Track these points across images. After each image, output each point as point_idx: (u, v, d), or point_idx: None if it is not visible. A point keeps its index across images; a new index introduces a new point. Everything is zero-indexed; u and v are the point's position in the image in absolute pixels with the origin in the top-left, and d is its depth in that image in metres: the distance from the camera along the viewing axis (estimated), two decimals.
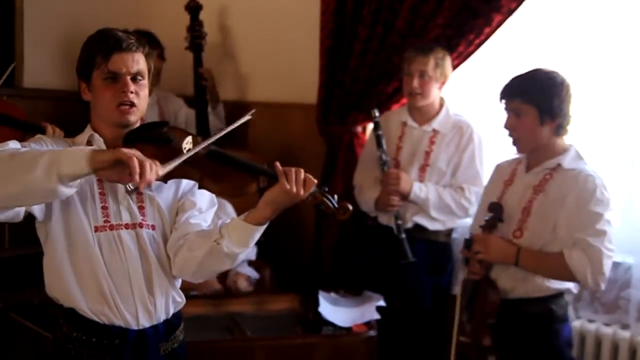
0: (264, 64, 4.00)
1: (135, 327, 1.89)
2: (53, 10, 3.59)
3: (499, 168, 2.72)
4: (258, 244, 3.42)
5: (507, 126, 2.53)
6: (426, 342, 3.21)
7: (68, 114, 3.47)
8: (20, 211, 1.76)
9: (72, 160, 1.63)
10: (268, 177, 1.87)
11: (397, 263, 3.09)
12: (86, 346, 1.88)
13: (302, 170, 1.86)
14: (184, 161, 1.78)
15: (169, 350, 1.98)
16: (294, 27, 3.84)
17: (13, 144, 1.73)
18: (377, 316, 2.86)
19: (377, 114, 3.16)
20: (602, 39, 3.08)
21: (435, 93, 3.14)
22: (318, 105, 3.62)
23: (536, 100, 2.46)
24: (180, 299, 1.99)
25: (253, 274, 3.29)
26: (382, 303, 2.97)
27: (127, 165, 1.62)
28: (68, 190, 1.67)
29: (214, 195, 2.02)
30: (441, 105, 3.20)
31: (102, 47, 1.85)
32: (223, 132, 1.90)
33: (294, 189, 1.82)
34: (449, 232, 3.20)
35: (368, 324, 2.78)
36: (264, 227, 1.86)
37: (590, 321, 3.02)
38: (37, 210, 1.81)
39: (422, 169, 3.13)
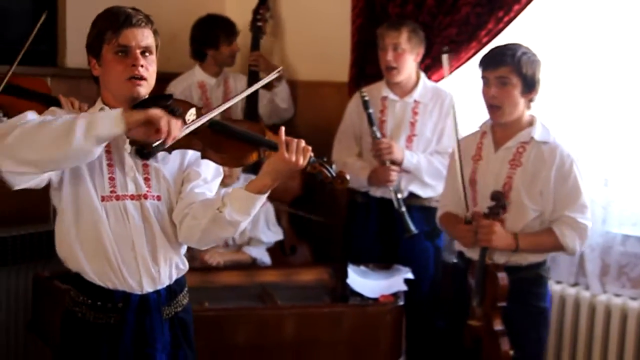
0: (297, 43, 4.07)
1: (138, 292, 2.00)
2: None
3: (461, 144, 2.75)
4: (295, 223, 3.54)
5: (491, 94, 2.57)
6: (435, 309, 3.31)
7: None
8: (45, 177, 1.88)
9: (107, 122, 1.76)
10: (269, 148, 1.94)
11: (398, 235, 3.20)
12: (91, 309, 1.99)
13: (303, 141, 1.93)
14: (191, 132, 1.87)
15: (172, 314, 2.08)
16: (326, 6, 3.90)
17: (32, 115, 1.84)
18: (404, 288, 2.92)
19: (364, 93, 3.22)
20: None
21: (410, 65, 3.23)
22: (350, 82, 3.68)
23: (524, 71, 2.53)
24: (184, 267, 2.09)
25: (262, 257, 3.30)
26: (410, 275, 3.03)
27: (157, 123, 1.76)
28: (99, 150, 1.81)
29: (219, 166, 2.09)
30: (418, 76, 3.29)
31: (112, 22, 1.93)
32: (232, 102, 2.01)
33: (294, 158, 1.90)
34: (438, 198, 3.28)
35: (395, 295, 2.85)
36: (265, 195, 1.94)
37: (617, 295, 3.06)
38: (54, 176, 1.93)
39: (409, 139, 3.23)
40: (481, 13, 3.23)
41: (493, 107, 2.60)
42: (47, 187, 3.05)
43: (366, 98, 3.21)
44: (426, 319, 3.29)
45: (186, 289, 2.15)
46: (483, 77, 2.61)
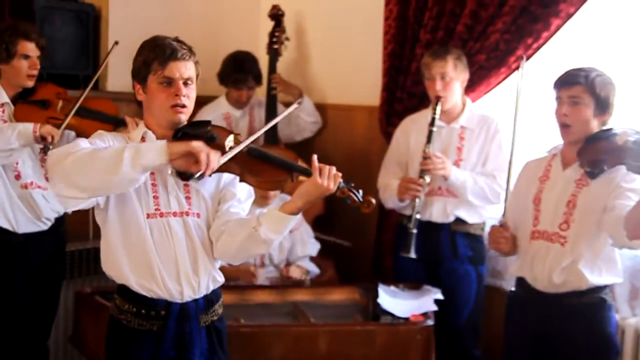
0: (329, 68, 4.17)
1: (179, 301, 2.15)
2: (134, 19, 3.86)
3: (528, 166, 2.79)
4: (321, 241, 3.63)
5: (562, 113, 2.58)
6: (473, 337, 3.34)
7: None
8: (94, 200, 2.05)
9: (152, 154, 1.93)
10: (302, 174, 2.11)
11: (441, 259, 3.27)
12: (136, 316, 2.14)
13: (334, 168, 2.08)
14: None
15: (209, 322, 2.22)
16: (359, 32, 4.00)
17: (84, 143, 2.01)
18: (434, 308, 2.98)
19: (438, 109, 3.26)
20: None
21: (457, 92, 3.29)
22: (381, 106, 3.77)
23: (597, 91, 2.54)
24: (220, 279, 2.24)
25: (313, 268, 3.47)
26: (439, 296, 3.08)
27: (197, 156, 1.92)
28: (144, 177, 1.98)
29: (251, 188, 2.25)
30: (464, 103, 3.34)
31: (159, 54, 2.08)
32: (264, 129, 2.16)
33: (325, 183, 2.05)
34: (483, 226, 3.35)
35: (425, 315, 2.90)
36: (297, 217, 2.10)
37: None
38: (101, 198, 2.08)
39: (456, 163, 3.27)
40: (510, 40, 3.30)
41: (564, 126, 2.60)
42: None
43: (435, 116, 3.24)
44: (463, 346, 3.33)
45: (221, 299, 2.29)
46: (557, 98, 2.62)
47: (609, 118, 2.60)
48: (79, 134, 3.04)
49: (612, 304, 2.63)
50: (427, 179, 3.20)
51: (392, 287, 3.14)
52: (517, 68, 3.30)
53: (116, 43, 3.18)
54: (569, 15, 3.16)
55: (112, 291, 2.88)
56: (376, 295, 3.00)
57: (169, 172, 2.12)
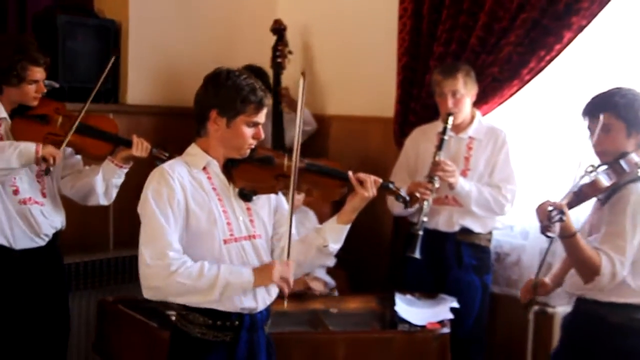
0: (344, 80, 4.23)
1: (249, 313, 2.27)
2: (152, 35, 3.95)
3: None
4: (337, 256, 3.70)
5: (595, 143, 2.52)
6: (477, 342, 3.39)
7: (166, 127, 3.84)
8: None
9: (241, 287, 2.18)
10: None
11: (448, 266, 3.33)
12: (211, 328, 2.24)
13: (372, 176, 2.29)
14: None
15: (266, 331, 2.35)
16: (373, 45, 4.07)
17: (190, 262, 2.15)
18: (450, 316, 3.02)
19: (450, 121, 3.32)
20: None
21: (468, 106, 3.37)
22: (395, 118, 3.84)
23: (625, 114, 2.49)
24: (275, 290, 2.33)
25: (330, 281, 3.52)
26: (455, 304, 3.13)
27: (280, 288, 2.20)
28: None
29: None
30: (473, 114, 3.41)
31: (255, 101, 2.21)
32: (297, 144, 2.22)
33: (368, 193, 2.28)
34: (489, 237, 3.41)
35: (441, 322, 2.95)
36: (350, 224, 2.33)
37: None
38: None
39: (463, 173, 3.33)
40: (523, 52, 3.35)
41: (599, 155, 2.57)
42: (107, 216, 3.35)
43: (447, 126, 3.30)
44: (469, 355, 3.36)
45: None
46: (587, 127, 2.57)
47: None
48: (79, 151, 3.04)
49: None
50: (436, 184, 3.24)
51: (409, 296, 3.19)
52: (530, 80, 3.38)
53: (115, 51, 3.25)
54: (581, 28, 3.20)
55: (133, 300, 2.99)
56: (393, 304, 3.06)
57: (233, 195, 2.27)
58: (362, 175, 2.29)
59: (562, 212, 2.30)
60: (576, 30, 3.22)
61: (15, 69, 2.83)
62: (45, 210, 2.95)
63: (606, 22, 3.24)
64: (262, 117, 2.24)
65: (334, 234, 2.30)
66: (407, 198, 2.38)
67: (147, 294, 2.16)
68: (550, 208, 2.31)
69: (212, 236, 2.20)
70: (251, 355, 2.28)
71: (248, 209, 2.29)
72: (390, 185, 2.35)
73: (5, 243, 2.86)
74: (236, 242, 2.24)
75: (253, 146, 2.27)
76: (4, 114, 2.89)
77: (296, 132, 2.21)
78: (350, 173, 2.30)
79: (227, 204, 2.25)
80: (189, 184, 2.20)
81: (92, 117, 3.02)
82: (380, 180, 2.31)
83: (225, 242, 2.22)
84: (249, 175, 2.27)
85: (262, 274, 2.18)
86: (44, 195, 2.95)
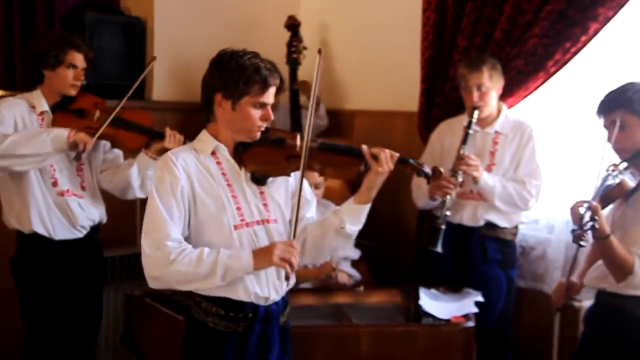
0: (367, 75, 4.24)
1: (264, 304, 2.23)
2: (177, 31, 4.00)
3: None
4: (360, 246, 3.71)
5: (613, 140, 2.50)
6: (502, 336, 3.37)
7: (190, 123, 3.85)
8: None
9: (240, 271, 2.12)
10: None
11: (472, 261, 3.31)
12: (224, 319, 2.21)
13: (386, 149, 2.19)
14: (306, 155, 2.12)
15: (282, 322, 2.31)
16: (396, 39, 4.06)
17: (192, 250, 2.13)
18: (475, 310, 3.01)
19: (476, 114, 3.30)
20: None
21: (494, 100, 3.33)
22: (419, 112, 3.82)
23: (639, 108, 2.48)
24: (294, 281, 2.32)
25: (355, 274, 3.53)
26: (480, 298, 3.12)
27: (281, 269, 2.11)
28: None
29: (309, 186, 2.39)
30: (499, 108, 3.38)
31: (259, 80, 2.14)
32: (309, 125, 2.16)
33: (385, 168, 2.17)
34: (515, 231, 3.38)
35: (466, 316, 2.94)
36: (369, 205, 2.23)
37: None
38: (184, 230, 2.18)
39: (488, 167, 3.31)
40: (548, 44, 3.32)
41: (618, 152, 2.55)
42: (134, 210, 3.38)
43: (473, 120, 3.28)
44: (495, 349, 3.35)
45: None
46: (603, 125, 2.56)
47: None
48: (114, 144, 3.12)
49: None
50: (460, 178, 3.22)
51: (433, 290, 3.19)
52: (555, 72, 3.35)
53: (154, 58, 3.28)
54: (608, 19, 3.16)
55: (160, 293, 3.03)
56: (417, 298, 3.05)
57: (245, 180, 2.22)
58: (375, 149, 2.20)
59: (594, 218, 2.30)
60: (602, 21, 3.17)
61: (55, 49, 2.92)
62: (83, 203, 3.04)
63: (634, 13, 3.20)
64: (269, 97, 2.17)
65: (352, 215, 2.22)
66: (430, 173, 2.26)
67: (151, 283, 2.16)
68: (582, 210, 2.33)
69: (221, 222, 2.16)
70: (263, 347, 2.25)
71: (261, 192, 2.23)
72: (411, 160, 2.25)
73: (45, 233, 2.96)
74: (247, 227, 2.19)
75: (263, 128, 2.20)
76: (46, 107, 2.99)
77: (309, 111, 2.15)
78: (364, 147, 2.21)
79: (237, 189, 2.20)
80: (195, 170, 2.16)
81: (127, 111, 3.10)
82: (397, 155, 2.21)
83: (235, 227, 2.17)
84: (259, 159, 2.21)
85: (262, 255, 2.11)
86: (83, 188, 3.04)
